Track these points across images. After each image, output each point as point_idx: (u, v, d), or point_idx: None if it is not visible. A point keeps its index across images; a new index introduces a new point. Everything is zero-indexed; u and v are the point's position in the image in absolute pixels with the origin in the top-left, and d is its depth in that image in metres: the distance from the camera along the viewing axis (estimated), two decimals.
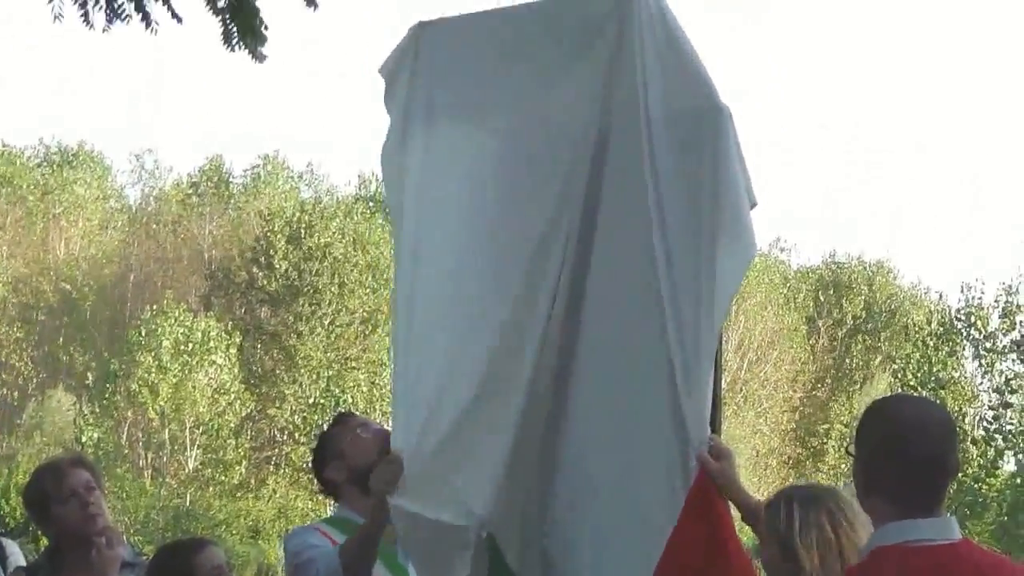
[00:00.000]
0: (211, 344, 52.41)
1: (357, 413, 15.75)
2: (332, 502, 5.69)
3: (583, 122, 4.54)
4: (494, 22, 4.81)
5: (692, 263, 4.30)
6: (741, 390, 58.52)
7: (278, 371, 55.11)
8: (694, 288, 4.29)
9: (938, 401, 45.25)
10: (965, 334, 55.41)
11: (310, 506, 49.17)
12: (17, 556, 7.42)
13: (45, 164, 67.80)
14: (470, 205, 4.78)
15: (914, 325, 58.01)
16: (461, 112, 4.80)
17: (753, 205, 4.38)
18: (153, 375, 52.07)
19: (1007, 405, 53.48)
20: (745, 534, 4.54)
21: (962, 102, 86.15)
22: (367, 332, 56.57)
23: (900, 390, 48.66)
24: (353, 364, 55.29)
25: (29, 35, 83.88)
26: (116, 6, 8.45)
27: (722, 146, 4.31)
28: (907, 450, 3.71)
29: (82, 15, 8.44)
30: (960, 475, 46.09)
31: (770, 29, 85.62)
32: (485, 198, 4.75)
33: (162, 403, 52.27)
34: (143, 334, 52.90)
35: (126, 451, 53.55)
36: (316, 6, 8.63)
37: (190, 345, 52.08)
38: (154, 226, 65.88)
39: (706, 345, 4.27)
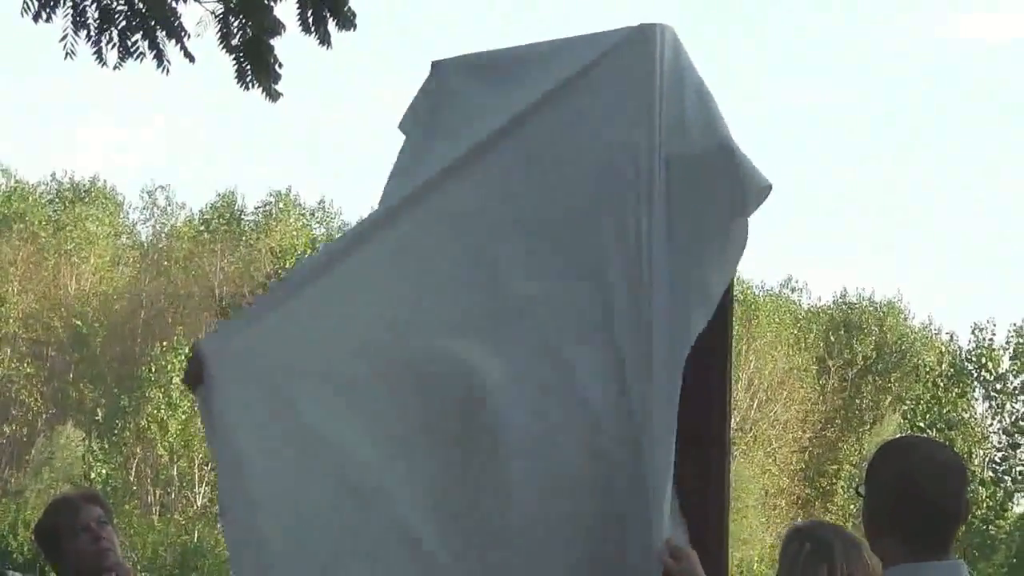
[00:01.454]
0: None
1: None
2: None
3: (590, 159, 4.44)
4: (505, 58, 4.77)
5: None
6: (751, 430, 58.35)
7: None
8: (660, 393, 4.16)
9: (947, 442, 45.20)
10: (975, 375, 55.36)
11: None
12: None
13: (57, 200, 67.91)
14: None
15: (924, 366, 57.90)
16: (467, 139, 4.60)
17: (769, 188, 4.27)
18: (162, 412, 52.06)
19: (1016, 446, 53.40)
20: None
21: (979, 142, 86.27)
22: None
23: (910, 431, 48.53)
24: None
25: (43, 70, 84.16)
26: (129, 44, 8.51)
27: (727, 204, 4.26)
28: (919, 493, 3.72)
29: (95, 52, 8.49)
30: (969, 516, 45.83)
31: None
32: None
33: (171, 440, 52.24)
34: (153, 371, 52.92)
35: (135, 487, 53.50)
36: (330, 45, 8.66)
37: None
38: (165, 263, 65.92)
39: (664, 453, 4.12)
